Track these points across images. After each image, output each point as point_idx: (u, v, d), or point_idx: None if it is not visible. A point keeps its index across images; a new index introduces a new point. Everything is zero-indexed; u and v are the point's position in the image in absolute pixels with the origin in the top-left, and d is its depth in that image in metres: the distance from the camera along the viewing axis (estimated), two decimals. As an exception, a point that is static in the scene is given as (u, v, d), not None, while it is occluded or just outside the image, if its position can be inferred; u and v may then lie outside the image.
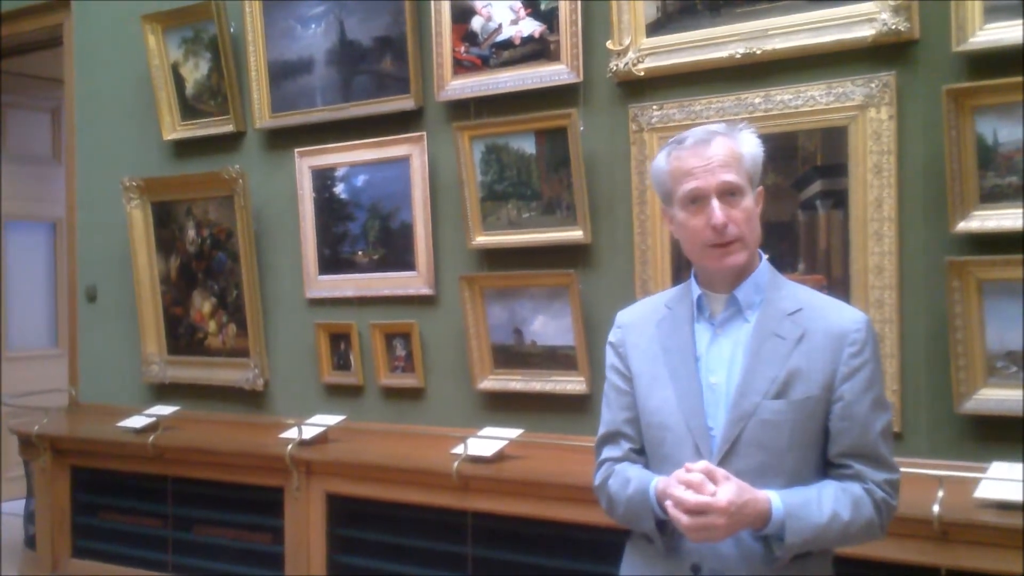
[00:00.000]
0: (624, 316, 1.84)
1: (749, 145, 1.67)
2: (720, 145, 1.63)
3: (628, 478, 1.70)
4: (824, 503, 1.55)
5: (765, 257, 1.71)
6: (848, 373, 1.60)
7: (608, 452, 1.78)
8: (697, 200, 1.62)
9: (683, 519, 1.50)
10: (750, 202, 1.63)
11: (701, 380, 1.65)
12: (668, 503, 1.54)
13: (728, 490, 1.49)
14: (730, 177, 1.61)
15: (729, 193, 1.61)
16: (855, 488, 1.59)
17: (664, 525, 1.63)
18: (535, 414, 3.18)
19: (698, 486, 1.51)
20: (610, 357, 1.81)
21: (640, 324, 1.78)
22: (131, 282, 4.16)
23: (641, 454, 1.75)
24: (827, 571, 1.69)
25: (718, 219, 1.59)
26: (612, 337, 1.82)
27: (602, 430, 1.81)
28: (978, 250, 2.47)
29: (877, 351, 1.64)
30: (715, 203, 1.60)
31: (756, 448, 1.58)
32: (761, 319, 1.64)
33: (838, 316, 1.64)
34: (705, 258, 1.65)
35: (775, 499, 1.54)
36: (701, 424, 1.62)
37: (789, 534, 1.52)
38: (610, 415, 1.79)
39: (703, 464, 1.53)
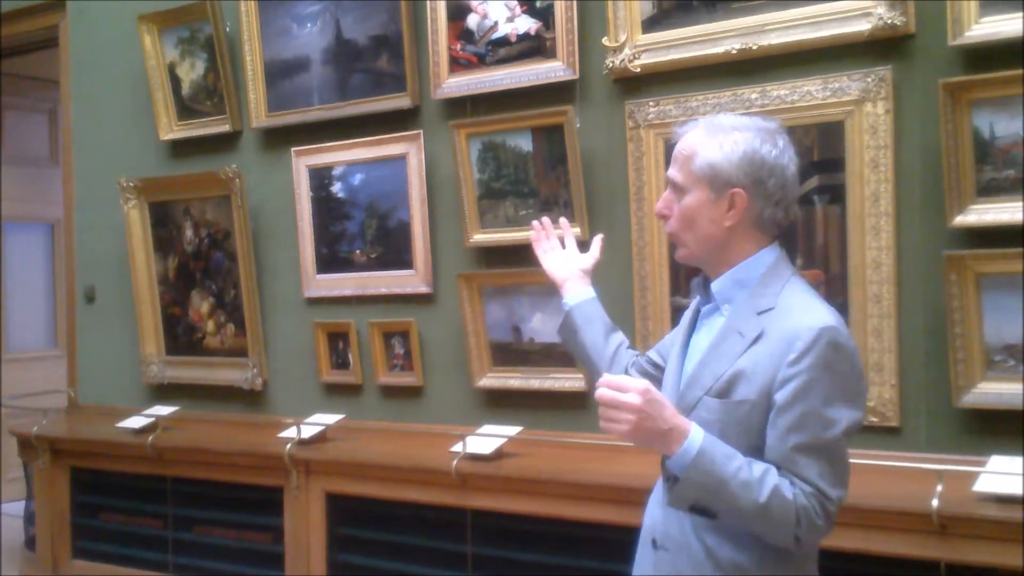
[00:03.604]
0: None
1: (712, 148, 1.61)
2: (684, 140, 1.67)
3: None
4: (746, 470, 1.48)
5: (769, 253, 1.65)
6: (782, 380, 1.51)
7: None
8: None
9: (599, 392, 1.50)
10: (692, 200, 1.63)
11: (684, 366, 1.71)
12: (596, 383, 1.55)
13: (638, 391, 1.48)
14: (671, 172, 1.68)
15: (672, 188, 1.68)
16: (784, 483, 1.49)
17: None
18: (534, 411, 3.18)
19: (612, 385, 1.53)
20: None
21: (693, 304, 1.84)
22: (129, 283, 4.16)
23: (635, 365, 1.95)
24: (813, 571, 1.66)
25: (656, 208, 1.73)
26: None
27: None
28: (976, 244, 2.47)
29: (831, 363, 1.50)
30: (664, 195, 1.70)
31: None
32: (732, 315, 1.63)
33: (797, 319, 1.54)
34: None
35: (697, 433, 1.49)
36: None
37: (692, 469, 1.47)
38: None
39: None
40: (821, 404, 1.50)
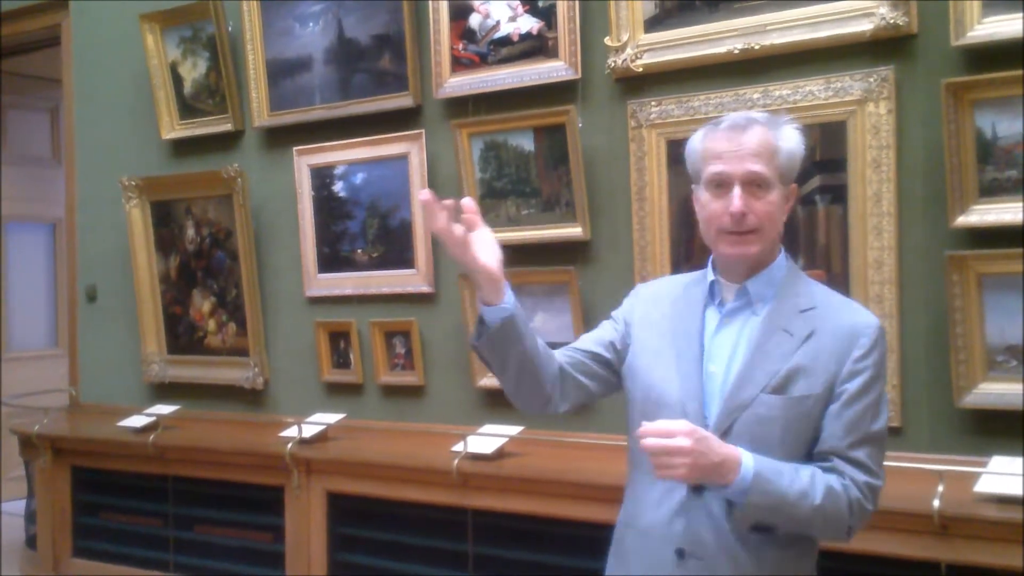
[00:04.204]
0: (643, 289, 1.86)
1: (788, 140, 1.64)
2: (756, 134, 1.61)
3: None
4: (797, 480, 1.53)
5: (784, 253, 1.70)
6: (849, 374, 1.58)
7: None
8: (721, 184, 1.62)
9: (647, 442, 1.50)
10: (776, 196, 1.61)
11: (702, 367, 1.65)
12: (639, 433, 1.53)
13: (690, 434, 1.49)
14: (758, 168, 1.59)
15: (755, 184, 1.60)
16: (832, 479, 1.56)
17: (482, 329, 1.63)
18: (535, 411, 3.18)
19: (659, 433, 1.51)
20: (617, 311, 1.83)
21: (657, 299, 1.79)
22: (131, 282, 4.16)
23: (574, 365, 1.77)
24: (811, 570, 1.68)
25: (736, 207, 1.59)
26: (626, 302, 1.84)
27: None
28: (977, 244, 2.47)
29: (884, 360, 1.62)
30: (737, 191, 1.59)
31: (746, 441, 1.57)
32: (771, 314, 1.63)
33: (851, 317, 1.63)
34: (719, 243, 1.65)
35: (748, 460, 1.52)
36: (697, 410, 1.62)
37: (753, 493, 1.51)
38: (584, 337, 1.83)
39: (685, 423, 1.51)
40: (879, 396, 1.60)
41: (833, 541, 1.63)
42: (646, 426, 1.52)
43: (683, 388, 1.65)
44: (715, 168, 1.62)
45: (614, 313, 1.85)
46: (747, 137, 1.60)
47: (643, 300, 1.81)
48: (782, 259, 1.69)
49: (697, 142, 1.69)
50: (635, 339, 1.77)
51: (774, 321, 1.63)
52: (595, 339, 1.82)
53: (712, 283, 1.70)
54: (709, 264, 1.73)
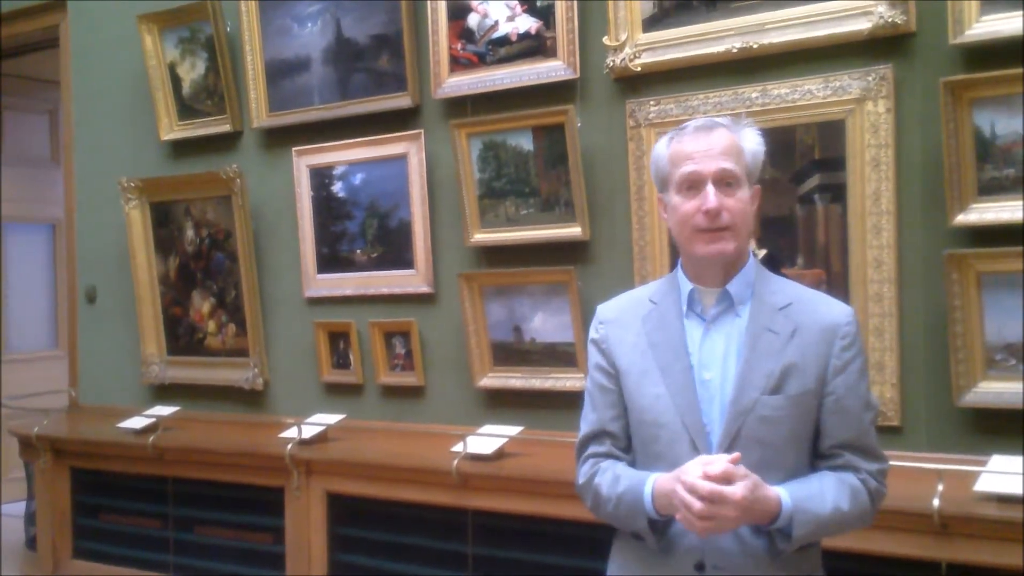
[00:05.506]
0: (606, 312, 1.81)
1: (750, 141, 1.68)
2: (722, 135, 1.65)
3: (618, 475, 1.68)
4: (827, 496, 1.57)
5: (752, 252, 1.73)
6: (840, 366, 1.62)
7: (593, 449, 1.76)
8: (693, 184, 1.63)
9: (695, 505, 1.47)
10: (746, 194, 1.64)
11: (694, 376, 1.64)
12: (678, 488, 1.50)
13: (744, 484, 1.49)
14: (728, 165, 1.62)
15: (726, 182, 1.62)
16: (851, 479, 1.60)
17: (656, 524, 1.62)
18: (535, 411, 3.18)
19: (717, 479, 1.49)
20: (594, 356, 1.79)
21: (624, 319, 1.76)
22: (130, 283, 4.16)
23: (626, 452, 1.74)
24: (817, 565, 1.70)
25: (711, 204, 1.60)
26: (595, 333, 1.80)
27: (586, 429, 1.78)
28: (977, 243, 2.47)
29: (863, 344, 1.69)
30: (710, 188, 1.61)
31: (755, 444, 1.57)
32: (753, 314, 1.64)
33: (827, 310, 1.66)
34: (694, 243, 1.64)
35: (784, 495, 1.54)
36: (697, 420, 1.61)
37: (797, 527, 1.53)
38: (595, 414, 1.76)
39: (723, 466, 1.49)
40: (867, 382, 1.67)
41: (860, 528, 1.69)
42: (697, 485, 1.48)
43: (677, 403, 1.63)
44: (687, 168, 1.64)
45: (592, 363, 1.78)
46: (715, 137, 1.64)
47: (611, 324, 1.78)
48: (752, 259, 1.71)
49: (663, 148, 1.71)
50: (617, 365, 1.74)
51: (758, 321, 1.63)
52: (607, 406, 1.75)
53: (691, 291, 1.69)
54: (679, 273, 1.72)
